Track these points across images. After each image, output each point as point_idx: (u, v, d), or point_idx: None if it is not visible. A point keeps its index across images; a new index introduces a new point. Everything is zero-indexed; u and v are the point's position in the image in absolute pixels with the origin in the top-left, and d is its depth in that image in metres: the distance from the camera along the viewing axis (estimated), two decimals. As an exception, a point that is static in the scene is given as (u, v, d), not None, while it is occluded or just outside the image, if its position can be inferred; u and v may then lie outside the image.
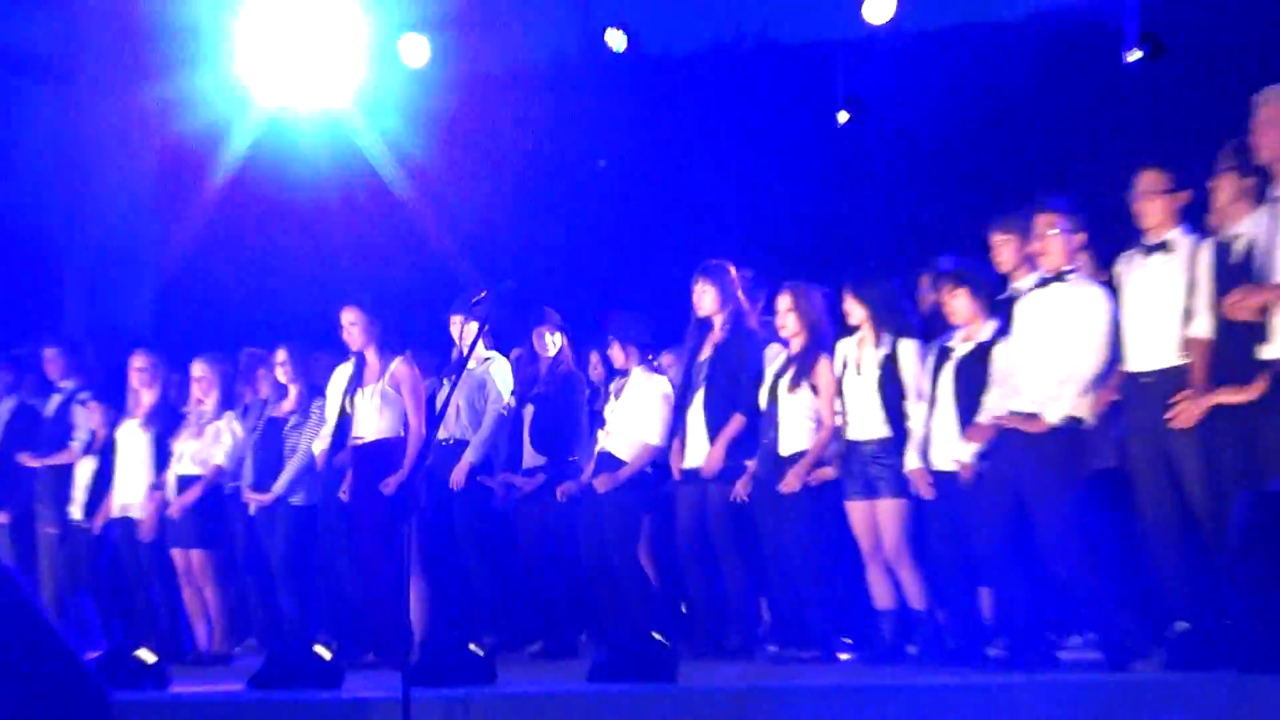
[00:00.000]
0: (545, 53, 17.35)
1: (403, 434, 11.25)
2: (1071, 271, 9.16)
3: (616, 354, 11.69)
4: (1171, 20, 14.63)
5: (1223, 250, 8.55)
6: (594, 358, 12.46)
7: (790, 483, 10.49)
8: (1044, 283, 9.23)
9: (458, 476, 11.80)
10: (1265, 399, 8.08)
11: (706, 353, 11.06)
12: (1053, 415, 8.96)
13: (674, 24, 16.85)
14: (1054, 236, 9.15)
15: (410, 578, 11.08)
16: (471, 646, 8.53)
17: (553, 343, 12.05)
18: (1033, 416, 9.01)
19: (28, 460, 13.52)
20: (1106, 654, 8.92)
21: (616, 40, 16.39)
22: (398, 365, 11.24)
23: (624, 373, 11.68)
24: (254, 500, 12.29)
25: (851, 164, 16.19)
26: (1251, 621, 6.96)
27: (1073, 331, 9.06)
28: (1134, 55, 14.32)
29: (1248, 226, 8.45)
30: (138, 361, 12.83)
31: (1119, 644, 8.85)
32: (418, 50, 16.55)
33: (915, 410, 10.07)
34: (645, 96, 16.58)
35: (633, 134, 16.52)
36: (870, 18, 15.58)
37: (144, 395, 12.75)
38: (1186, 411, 8.41)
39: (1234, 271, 8.42)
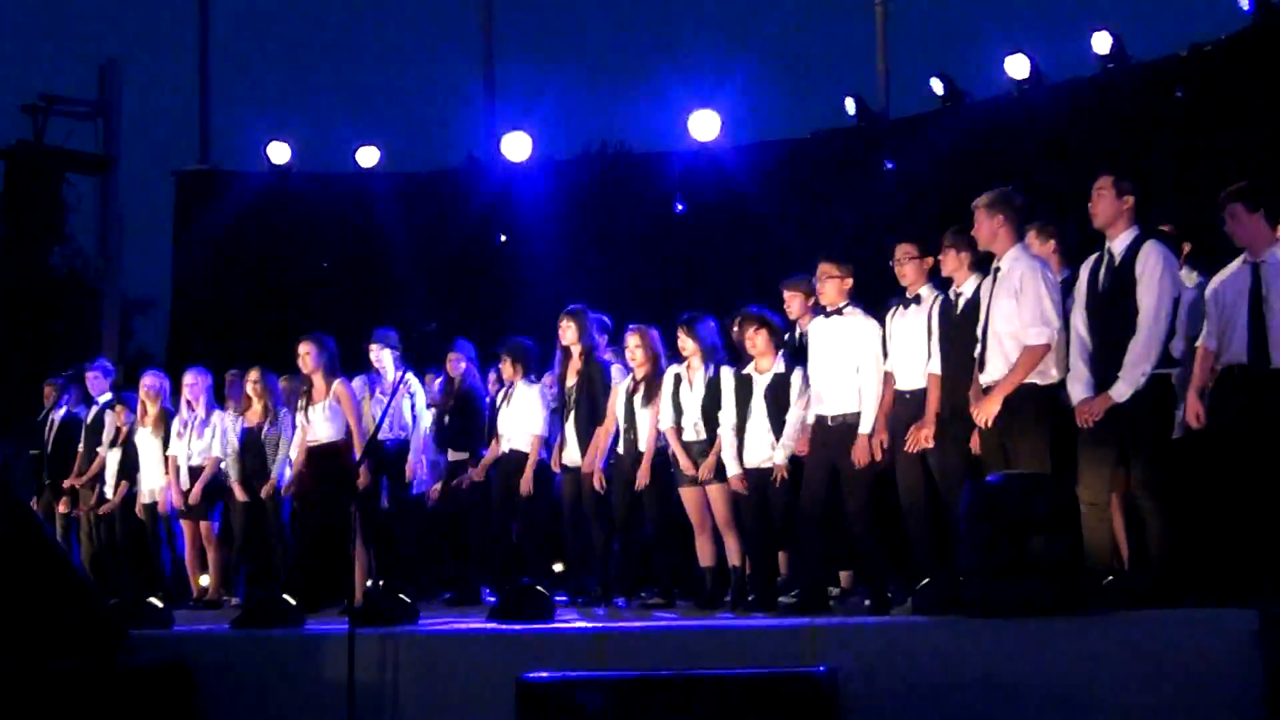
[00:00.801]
0: (461, 155, 17.32)
1: (345, 438, 11.17)
2: (846, 306, 9.19)
3: (506, 368, 11.62)
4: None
5: (948, 304, 8.66)
6: (491, 375, 12.39)
7: (643, 475, 10.53)
8: (827, 314, 9.25)
9: (410, 468, 11.83)
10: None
11: (573, 379, 11.03)
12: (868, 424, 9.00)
13: (558, 133, 16.89)
14: (831, 279, 9.17)
15: (354, 545, 10.98)
16: (401, 595, 8.45)
17: (459, 365, 12.04)
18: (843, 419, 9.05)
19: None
20: (873, 602, 8.96)
21: (515, 148, 16.40)
22: (337, 386, 11.20)
23: (511, 385, 11.65)
24: (240, 493, 12.22)
25: (685, 238, 16.22)
26: (975, 578, 6.96)
27: (851, 352, 9.10)
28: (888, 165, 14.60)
29: (968, 288, 8.54)
30: (146, 380, 12.77)
31: (883, 594, 8.93)
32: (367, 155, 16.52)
33: (726, 420, 10.09)
34: (538, 188, 16.52)
35: (528, 215, 16.45)
36: (698, 134, 15.70)
37: (150, 406, 12.64)
38: (924, 432, 8.53)
39: (956, 321, 8.52)
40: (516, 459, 11.35)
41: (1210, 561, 7.94)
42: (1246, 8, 12.35)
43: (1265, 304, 7.88)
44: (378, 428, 10.64)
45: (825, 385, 9.23)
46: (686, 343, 10.47)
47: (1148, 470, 7.58)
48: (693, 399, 10.35)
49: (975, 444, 8.28)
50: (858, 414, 9.10)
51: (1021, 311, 8.08)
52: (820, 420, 9.23)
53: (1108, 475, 7.73)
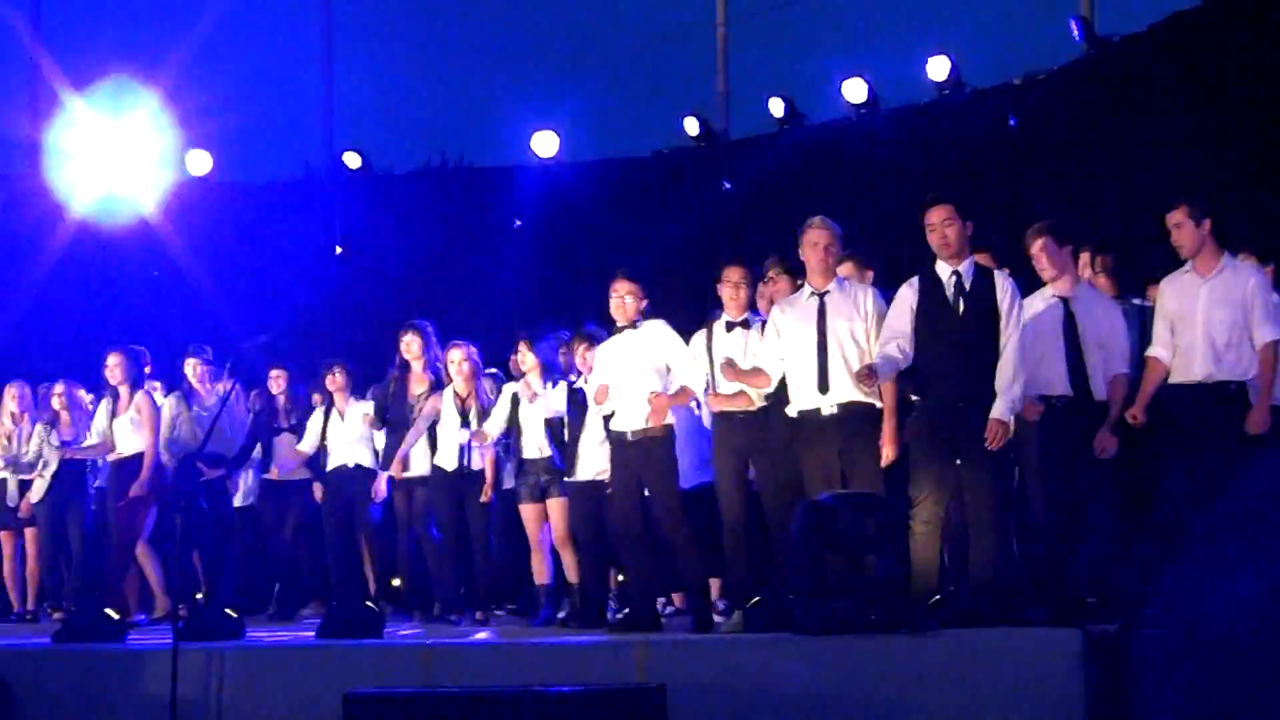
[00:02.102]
0: (299, 168, 17.13)
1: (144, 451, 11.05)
2: (641, 320, 9.21)
3: (333, 381, 11.53)
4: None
5: (774, 328, 8.74)
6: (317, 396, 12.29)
7: (486, 493, 10.52)
8: (621, 330, 9.27)
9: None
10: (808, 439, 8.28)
11: (420, 390, 11.08)
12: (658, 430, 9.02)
13: (396, 149, 16.77)
14: (629, 296, 9.16)
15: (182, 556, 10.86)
16: (228, 610, 8.35)
17: (281, 381, 11.93)
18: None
19: None
20: (696, 619, 8.99)
21: (353, 160, 16.28)
22: (139, 397, 11.06)
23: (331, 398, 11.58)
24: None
25: (524, 254, 16.21)
26: (804, 596, 7.03)
27: (648, 364, 9.07)
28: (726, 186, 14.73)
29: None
30: None
31: (706, 610, 8.98)
32: (200, 162, 16.30)
33: (571, 435, 10.12)
34: (373, 204, 16.42)
35: (364, 230, 16.34)
36: (539, 151, 15.73)
37: None
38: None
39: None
40: (348, 474, 11.28)
41: (1037, 583, 8.12)
42: (1077, 38, 12.61)
43: (1081, 339, 8.11)
44: (205, 440, 10.50)
45: (621, 402, 9.13)
46: (526, 358, 10.48)
47: (984, 489, 7.72)
48: (532, 416, 10.36)
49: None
50: (664, 427, 8.99)
51: (866, 336, 8.23)
52: (620, 437, 9.05)
53: (944, 496, 7.84)
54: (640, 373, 8.98)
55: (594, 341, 9.96)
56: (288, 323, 15.26)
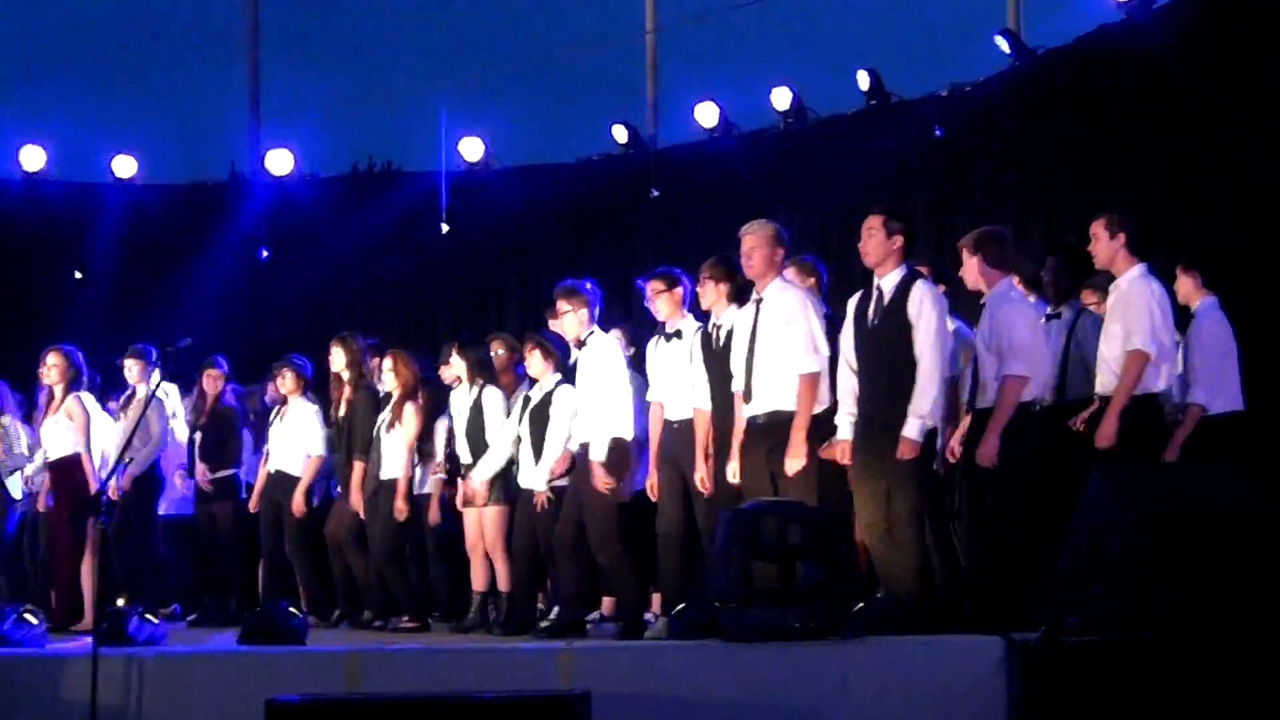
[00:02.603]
0: (224, 168, 17.02)
1: (79, 454, 10.95)
2: (590, 334, 9.27)
3: (284, 384, 11.50)
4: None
5: (707, 336, 8.77)
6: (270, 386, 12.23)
7: (400, 506, 10.49)
8: (580, 345, 9.33)
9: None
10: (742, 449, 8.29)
11: (344, 407, 11.05)
12: (598, 450, 9.03)
13: (324, 152, 16.70)
14: (568, 314, 9.30)
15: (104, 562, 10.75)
16: (148, 615, 8.28)
17: (215, 382, 11.83)
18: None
19: None
20: (623, 627, 9.02)
21: (278, 163, 16.18)
22: (70, 400, 10.94)
23: (284, 400, 11.53)
24: None
25: (450, 259, 16.21)
26: (730, 603, 7.05)
27: (596, 378, 9.15)
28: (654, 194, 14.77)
29: (727, 319, 8.67)
30: None
31: (636, 619, 9.00)
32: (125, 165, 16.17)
33: (494, 441, 10.11)
34: (303, 204, 16.34)
35: (293, 232, 16.25)
36: (466, 156, 15.72)
37: None
38: (698, 475, 8.65)
39: (718, 354, 8.63)
40: (285, 480, 11.26)
41: (963, 590, 8.17)
42: (1007, 50, 12.70)
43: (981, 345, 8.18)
44: (127, 443, 10.45)
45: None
46: (459, 364, 10.48)
47: (905, 501, 7.75)
48: (459, 422, 10.36)
49: (734, 473, 8.39)
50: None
51: (793, 341, 8.21)
52: (582, 448, 9.27)
53: (884, 506, 7.85)
54: (587, 391, 9.12)
55: (538, 344, 9.93)
56: (215, 326, 15.21)
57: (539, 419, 9.76)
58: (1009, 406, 7.88)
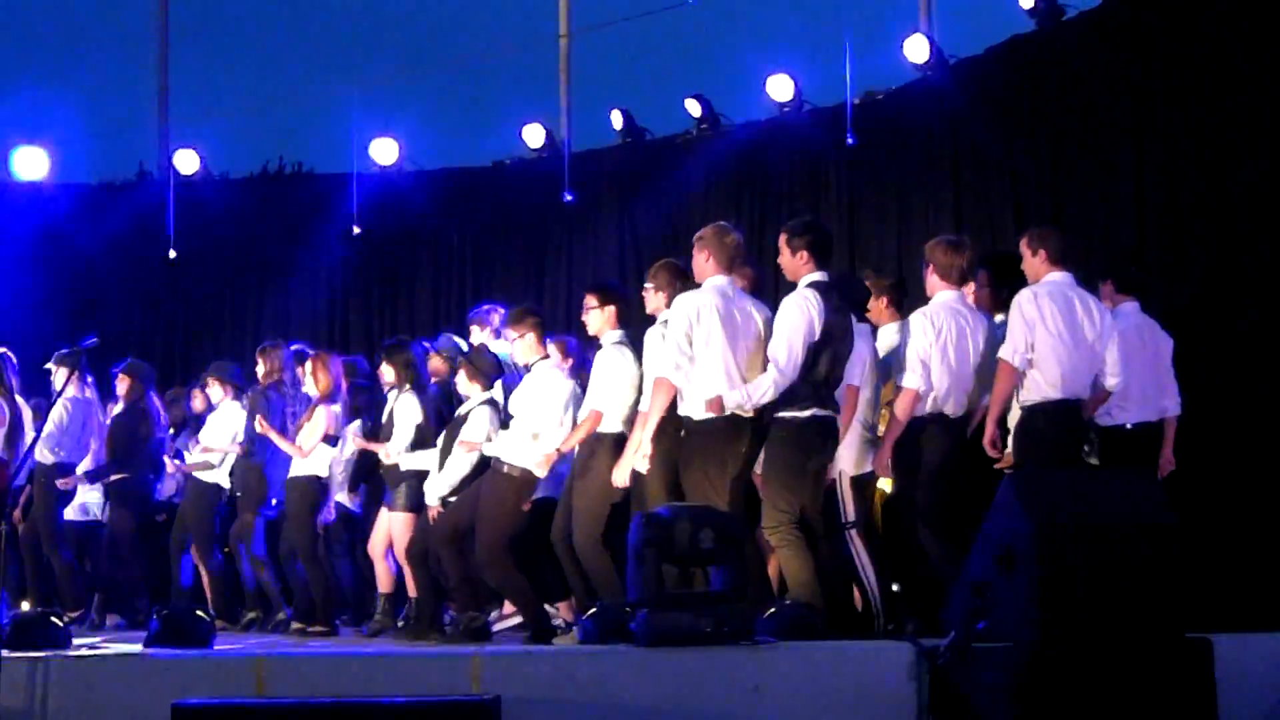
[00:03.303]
0: (133, 169, 16.86)
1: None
2: (539, 360, 9.37)
3: (214, 390, 11.46)
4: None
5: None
6: (196, 393, 12.15)
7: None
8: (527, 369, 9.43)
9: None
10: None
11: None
12: (513, 459, 9.05)
13: (234, 149, 16.58)
14: (520, 340, 9.45)
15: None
16: (53, 618, 8.18)
17: (124, 384, 11.74)
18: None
19: None
20: (532, 632, 9.02)
21: (187, 163, 16.04)
22: None
23: (213, 406, 11.49)
24: None
25: (363, 263, 16.15)
26: (642, 608, 7.05)
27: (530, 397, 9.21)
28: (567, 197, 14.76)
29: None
30: None
31: (540, 626, 9.00)
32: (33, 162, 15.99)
33: (393, 448, 10.12)
34: (212, 205, 16.21)
35: (201, 234, 16.12)
36: (378, 158, 15.65)
37: None
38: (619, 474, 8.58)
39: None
40: (196, 485, 11.25)
41: (869, 597, 8.24)
42: (928, 56, 12.75)
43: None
44: (31, 446, 10.34)
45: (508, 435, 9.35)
46: (387, 369, 10.46)
47: (768, 506, 7.89)
48: (387, 427, 10.34)
49: (619, 479, 8.46)
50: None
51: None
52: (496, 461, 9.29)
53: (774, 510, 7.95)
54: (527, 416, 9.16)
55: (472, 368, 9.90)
56: (122, 327, 15.07)
57: (452, 433, 9.74)
58: (900, 419, 8.28)
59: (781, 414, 7.94)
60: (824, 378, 7.99)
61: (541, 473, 9.10)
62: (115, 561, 11.84)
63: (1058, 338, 8.17)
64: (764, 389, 7.89)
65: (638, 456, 8.21)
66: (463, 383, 9.86)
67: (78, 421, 11.60)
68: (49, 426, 11.14)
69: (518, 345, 9.42)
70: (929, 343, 8.29)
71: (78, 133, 16.21)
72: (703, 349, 8.04)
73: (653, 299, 8.78)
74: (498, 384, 9.89)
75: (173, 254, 15.90)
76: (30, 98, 16.16)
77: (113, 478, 11.69)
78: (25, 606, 10.57)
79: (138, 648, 8.07)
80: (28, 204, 15.98)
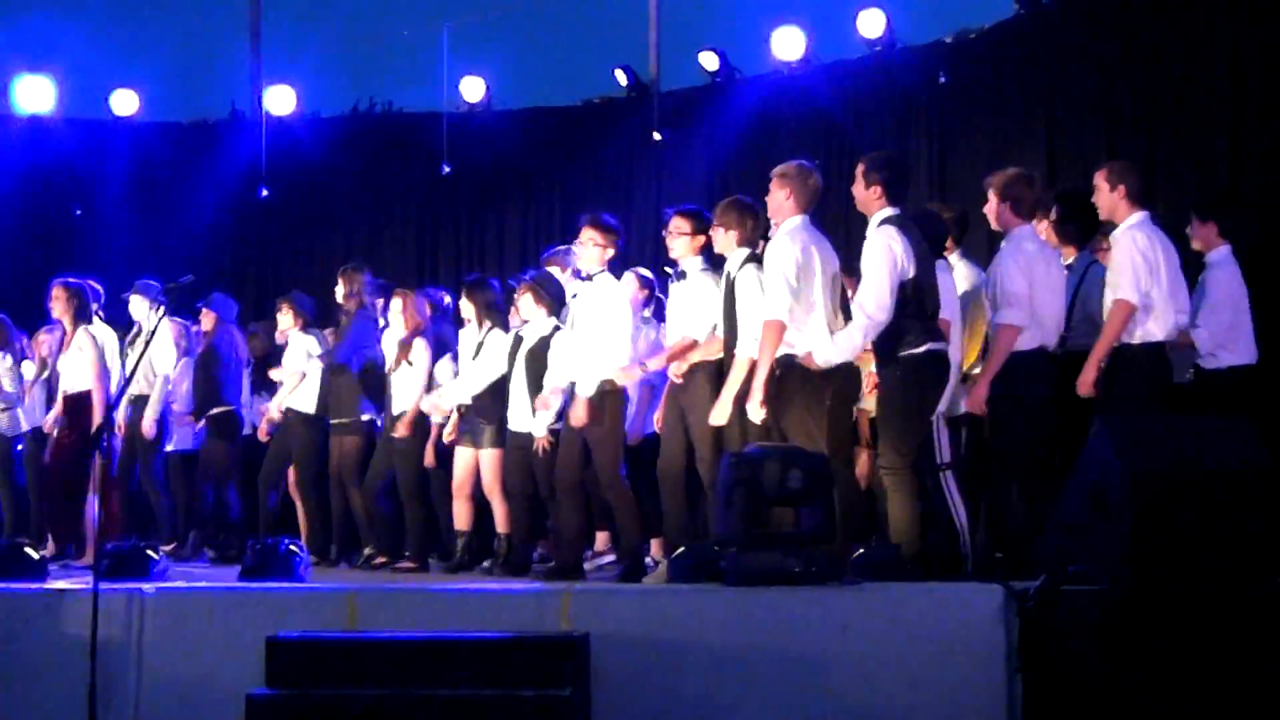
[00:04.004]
0: (224, 109, 16.96)
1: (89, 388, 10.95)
2: (601, 273, 9.24)
3: (285, 317, 11.58)
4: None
5: (729, 281, 8.68)
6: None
7: (400, 432, 10.48)
8: (583, 279, 9.36)
9: (148, 425, 11.59)
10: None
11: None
12: (586, 388, 9.01)
13: (325, 88, 16.62)
14: (595, 245, 9.23)
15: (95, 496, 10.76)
16: (149, 551, 8.29)
17: (208, 319, 11.85)
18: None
19: None
20: (624, 569, 9.03)
21: (278, 102, 16.13)
22: (80, 333, 10.95)
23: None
24: None
25: (451, 200, 16.18)
26: (729, 547, 7.05)
27: (597, 319, 9.12)
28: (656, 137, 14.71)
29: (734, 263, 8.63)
30: None
31: (637, 562, 9.01)
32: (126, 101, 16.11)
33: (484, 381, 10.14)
34: (303, 143, 16.29)
35: (293, 172, 16.20)
36: (467, 97, 15.66)
37: None
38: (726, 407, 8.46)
39: (730, 294, 8.57)
40: (289, 418, 11.32)
41: (958, 539, 8.18)
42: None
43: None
44: (127, 380, 10.46)
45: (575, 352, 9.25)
46: (467, 306, 10.44)
47: (886, 446, 7.80)
48: (467, 362, 10.33)
49: (719, 417, 8.39)
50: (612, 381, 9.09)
51: (766, 289, 8.20)
52: (569, 390, 9.25)
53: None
54: (589, 327, 9.08)
55: (531, 287, 9.90)
56: (215, 263, 15.20)
57: (535, 363, 9.71)
58: (1000, 355, 8.06)
59: (901, 353, 7.84)
60: (931, 311, 7.89)
61: (622, 380, 9.08)
62: (209, 494, 11.97)
63: (1171, 280, 8.10)
64: (854, 340, 7.82)
65: (751, 403, 8.09)
66: (527, 306, 9.80)
67: (173, 356, 11.74)
68: (143, 362, 11.25)
69: (588, 251, 9.26)
70: (1026, 278, 8.16)
71: (170, 72, 16.28)
72: (805, 290, 8.03)
73: (723, 238, 8.69)
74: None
75: (264, 192, 16.01)
76: (124, 38, 16.26)
77: (213, 411, 11.78)
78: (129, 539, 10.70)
79: (232, 580, 8.17)
80: (121, 142, 16.11)
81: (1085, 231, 8.82)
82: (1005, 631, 6.62)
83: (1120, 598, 6.36)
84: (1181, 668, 6.30)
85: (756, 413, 8.03)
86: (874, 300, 7.74)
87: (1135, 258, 8.05)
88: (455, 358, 10.71)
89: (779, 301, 8.00)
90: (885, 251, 7.79)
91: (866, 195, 8.01)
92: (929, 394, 7.87)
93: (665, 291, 9.55)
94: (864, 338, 7.81)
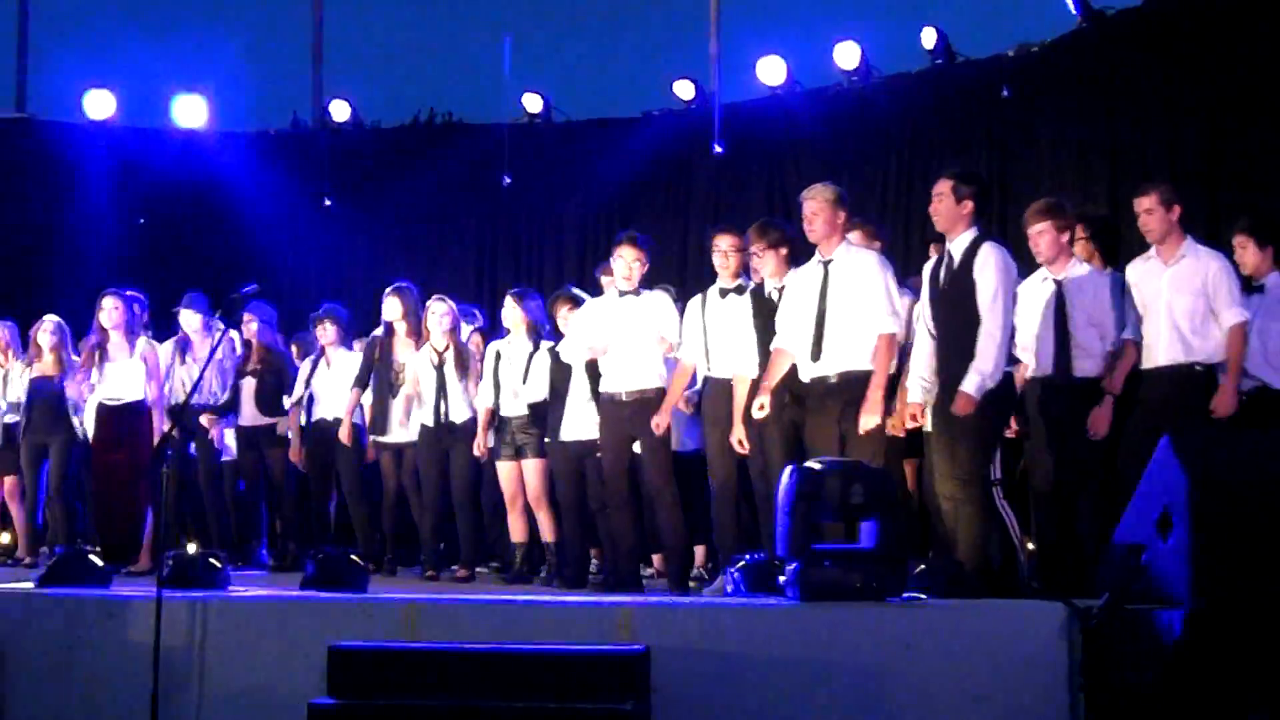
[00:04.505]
0: (286, 118, 17.02)
1: (145, 398, 10.98)
2: (644, 289, 9.30)
3: (325, 330, 11.45)
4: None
5: (763, 300, 8.78)
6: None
7: (480, 449, 10.47)
8: (622, 294, 9.39)
9: (214, 434, 11.63)
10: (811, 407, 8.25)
11: (404, 355, 11.08)
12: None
13: (385, 102, 16.66)
14: (636, 262, 9.28)
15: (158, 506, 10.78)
16: (212, 559, 8.30)
17: (250, 326, 11.82)
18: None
19: None
20: (673, 579, 9.01)
21: (340, 112, 16.20)
22: (144, 345, 11.01)
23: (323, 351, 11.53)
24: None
25: (510, 213, 16.18)
26: (791, 561, 7.00)
27: (647, 329, 9.22)
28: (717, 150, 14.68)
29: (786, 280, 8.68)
30: None
31: (682, 573, 8.99)
32: (193, 110, 16.19)
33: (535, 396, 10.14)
34: (364, 153, 16.36)
35: (353, 181, 16.25)
36: (528, 108, 15.67)
37: None
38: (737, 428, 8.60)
39: (769, 312, 8.65)
40: (332, 427, 11.24)
41: (1023, 557, 8.13)
42: (1074, 11, 12.54)
43: (1070, 320, 8.11)
44: (193, 390, 10.49)
45: (617, 364, 9.25)
46: (513, 315, 10.43)
47: (965, 461, 7.71)
48: (513, 374, 10.32)
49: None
50: (657, 389, 9.11)
51: (872, 303, 8.16)
52: (613, 397, 9.23)
53: (951, 467, 7.84)
54: (639, 338, 9.06)
55: (576, 303, 9.98)
56: (276, 274, 15.23)
57: (593, 373, 9.72)
58: (1122, 374, 8.29)
59: None
60: (1011, 333, 7.89)
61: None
62: (269, 503, 11.99)
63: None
64: (995, 365, 7.69)
65: (868, 416, 8.08)
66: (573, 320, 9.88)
67: (220, 366, 11.72)
68: (196, 370, 11.25)
69: (634, 267, 9.29)
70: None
71: (235, 82, 16.35)
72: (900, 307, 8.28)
73: (768, 261, 8.73)
74: None
75: (327, 202, 16.07)
76: (189, 46, 16.34)
77: (272, 419, 11.78)
78: (191, 548, 10.71)
79: (294, 590, 8.17)
80: (187, 152, 16.18)
81: (1108, 253, 8.82)
82: (1069, 650, 6.54)
83: (1187, 616, 6.27)
84: (1251, 688, 6.21)
85: (872, 421, 8.05)
86: (1001, 323, 7.69)
87: (1234, 281, 8.11)
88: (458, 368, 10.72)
89: (886, 314, 8.16)
90: (1010, 273, 7.76)
91: (956, 210, 7.89)
92: (1006, 412, 7.85)
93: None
94: (996, 364, 7.71)
